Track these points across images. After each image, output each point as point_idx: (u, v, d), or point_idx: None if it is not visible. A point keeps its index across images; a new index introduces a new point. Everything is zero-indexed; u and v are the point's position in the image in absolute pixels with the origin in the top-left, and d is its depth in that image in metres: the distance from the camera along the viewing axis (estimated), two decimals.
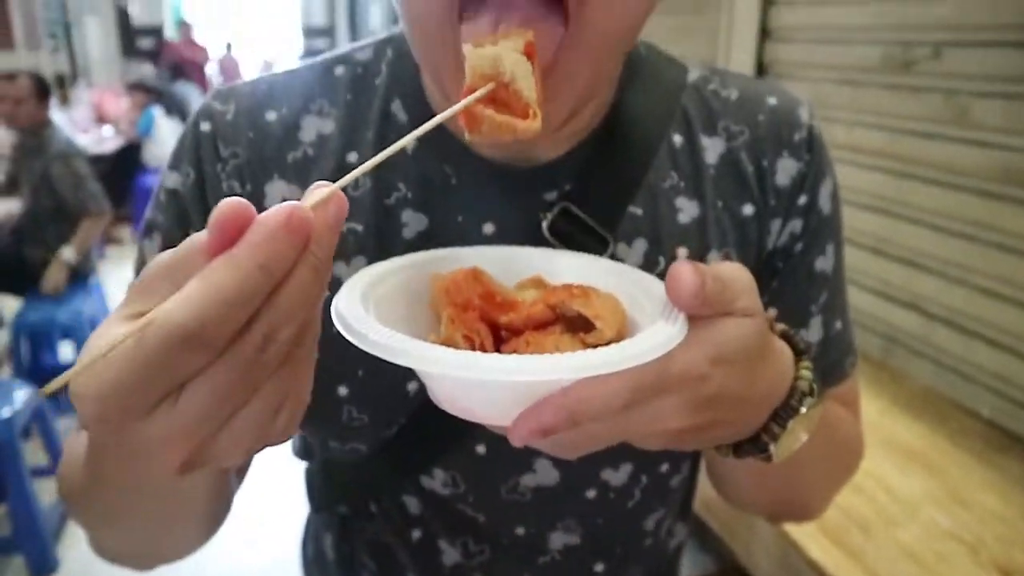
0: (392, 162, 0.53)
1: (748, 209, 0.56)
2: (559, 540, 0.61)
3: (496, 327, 0.41)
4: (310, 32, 10.46)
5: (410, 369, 0.54)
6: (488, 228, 0.53)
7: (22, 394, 2.33)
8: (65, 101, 6.26)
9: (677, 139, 0.56)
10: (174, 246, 0.41)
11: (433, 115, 0.50)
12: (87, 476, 0.42)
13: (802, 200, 0.56)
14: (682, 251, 0.54)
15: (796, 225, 0.57)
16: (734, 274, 0.39)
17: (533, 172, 0.52)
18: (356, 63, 0.57)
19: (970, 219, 1.61)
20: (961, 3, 1.60)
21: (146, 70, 7.12)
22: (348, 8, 9.90)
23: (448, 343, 0.39)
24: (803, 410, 0.43)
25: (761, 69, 2.25)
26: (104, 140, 5.69)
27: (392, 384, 0.55)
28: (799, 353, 0.45)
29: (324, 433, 0.59)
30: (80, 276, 3.35)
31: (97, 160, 4.62)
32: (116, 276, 4.55)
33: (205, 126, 0.55)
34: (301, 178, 0.54)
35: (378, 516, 0.63)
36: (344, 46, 0.60)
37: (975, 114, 1.59)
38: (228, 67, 8.86)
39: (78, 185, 3.20)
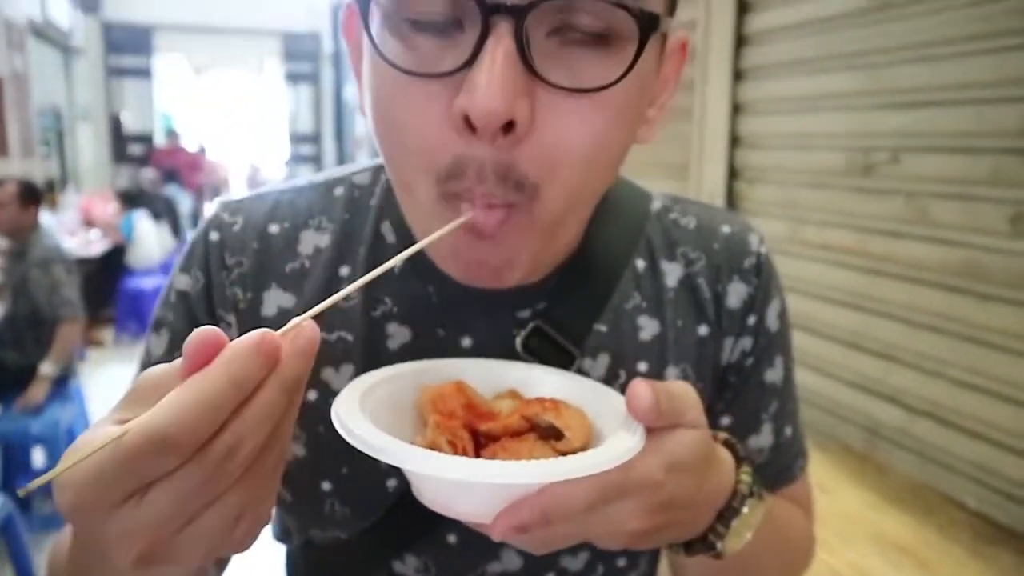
0: (380, 279, 0.55)
1: (703, 330, 0.61)
2: None
3: (476, 434, 0.45)
4: (297, 138, 10.79)
5: (391, 468, 0.58)
6: (466, 342, 0.57)
7: None
8: (54, 205, 6.35)
9: (640, 264, 0.61)
10: (181, 344, 0.46)
11: (416, 239, 0.55)
12: (69, 568, 0.44)
13: (751, 320, 0.61)
14: (641, 367, 0.59)
15: (746, 343, 0.62)
16: (683, 390, 0.44)
17: (508, 293, 0.55)
18: (354, 186, 0.61)
19: (937, 312, 1.67)
20: (914, 113, 1.72)
21: (145, 174, 7.28)
22: (334, 116, 10.25)
23: (433, 446, 0.43)
24: (745, 511, 0.48)
25: (733, 174, 2.36)
26: (91, 243, 5.75)
27: (373, 481, 0.58)
28: (739, 460, 0.50)
29: (306, 522, 0.61)
30: (59, 380, 3.32)
31: (83, 262, 4.66)
32: (97, 378, 4.49)
33: (214, 235, 0.59)
34: (296, 287, 0.58)
35: None
36: (345, 167, 0.64)
37: (934, 214, 1.67)
38: (210, 170, 9.10)
39: (52, 291, 3.20)
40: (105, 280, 5.80)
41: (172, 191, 7.30)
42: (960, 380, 1.63)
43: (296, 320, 0.35)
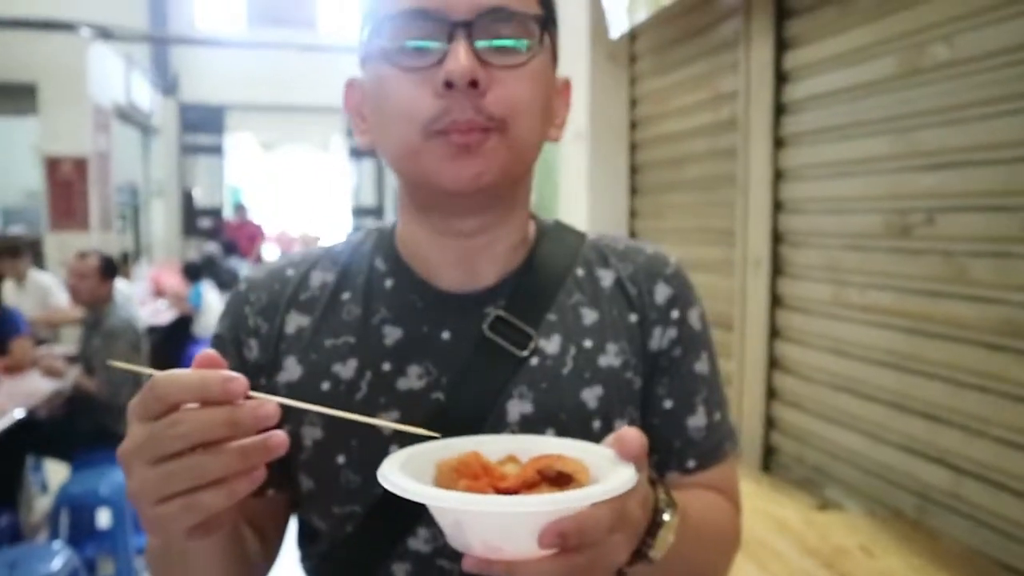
0: (377, 295, 0.76)
1: (633, 318, 0.78)
2: None
3: (498, 490, 0.53)
4: (359, 211, 11.16)
5: (393, 436, 0.69)
6: (445, 335, 0.74)
7: (60, 559, 2.38)
8: (127, 277, 6.70)
9: (580, 272, 0.79)
10: None
11: (404, 266, 0.76)
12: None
13: (675, 314, 0.78)
14: (587, 343, 0.75)
15: (672, 333, 0.78)
16: (641, 435, 0.56)
17: (475, 295, 0.75)
18: (352, 242, 0.82)
19: (980, 371, 1.66)
20: (946, 174, 1.75)
21: (209, 247, 7.66)
22: (395, 190, 10.62)
23: None
24: (666, 518, 0.60)
25: (777, 238, 2.39)
26: (160, 312, 6.03)
27: (378, 448, 0.70)
28: (652, 482, 0.61)
29: (328, 498, 0.73)
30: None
31: (152, 330, 4.89)
32: None
33: (243, 285, 0.79)
34: (309, 310, 0.77)
35: None
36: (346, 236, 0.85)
37: (972, 272, 1.68)
38: (284, 242, 9.50)
39: (105, 364, 3.38)
40: (172, 348, 6.06)
41: (235, 262, 7.63)
42: (1004, 439, 1.61)
43: (271, 398, 0.49)
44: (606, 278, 0.79)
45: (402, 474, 0.52)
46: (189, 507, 0.47)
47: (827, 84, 2.13)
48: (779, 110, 2.34)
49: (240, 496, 0.48)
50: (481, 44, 0.65)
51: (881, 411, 1.96)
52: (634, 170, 3.38)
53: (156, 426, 0.47)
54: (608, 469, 0.54)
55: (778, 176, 2.37)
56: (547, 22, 0.69)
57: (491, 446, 0.60)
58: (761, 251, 2.41)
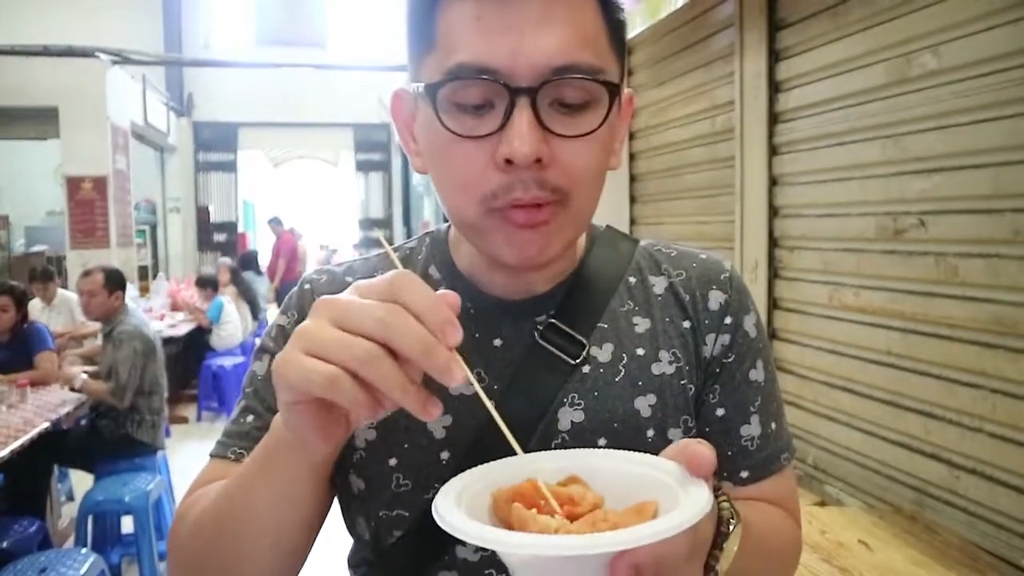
0: None
1: (686, 324, 0.76)
2: None
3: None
4: (368, 224, 11.25)
5: (444, 439, 0.71)
6: (497, 341, 0.73)
7: (87, 564, 2.45)
8: (145, 292, 6.82)
9: (632, 279, 0.78)
10: None
11: (458, 273, 0.76)
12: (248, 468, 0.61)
13: (728, 320, 0.76)
14: (639, 352, 0.74)
15: (725, 339, 0.75)
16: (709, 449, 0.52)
17: (526, 302, 0.74)
18: (405, 249, 0.83)
19: (973, 368, 1.71)
20: (936, 179, 1.80)
21: (224, 261, 7.77)
22: (403, 202, 10.72)
23: (544, 528, 0.47)
24: (731, 528, 0.57)
25: (774, 242, 2.45)
26: (177, 325, 6.14)
27: (429, 453, 0.71)
28: (715, 490, 0.58)
29: (377, 501, 0.72)
30: (149, 451, 3.56)
31: (169, 342, 5.00)
32: (180, 453, 4.74)
33: (307, 286, 0.80)
34: None
35: None
36: (400, 242, 0.86)
37: (963, 273, 1.73)
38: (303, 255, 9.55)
39: (113, 367, 3.47)
40: (189, 360, 6.17)
41: (251, 276, 7.73)
42: (999, 435, 1.65)
43: (466, 370, 0.50)
44: (659, 285, 0.77)
45: (458, 510, 0.49)
46: (330, 377, 0.47)
47: (819, 93, 2.20)
48: (773, 119, 2.41)
49: (367, 416, 0.49)
50: (546, 109, 0.60)
51: (878, 409, 2.01)
52: (633, 179, 3.45)
53: (371, 303, 0.48)
54: (676, 487, 0.50)
55: (774, 182, 2.44)
56: (620, 77, 0.65)
57: (548, 463, 0.56)
58: (758, 255, 2.47)
